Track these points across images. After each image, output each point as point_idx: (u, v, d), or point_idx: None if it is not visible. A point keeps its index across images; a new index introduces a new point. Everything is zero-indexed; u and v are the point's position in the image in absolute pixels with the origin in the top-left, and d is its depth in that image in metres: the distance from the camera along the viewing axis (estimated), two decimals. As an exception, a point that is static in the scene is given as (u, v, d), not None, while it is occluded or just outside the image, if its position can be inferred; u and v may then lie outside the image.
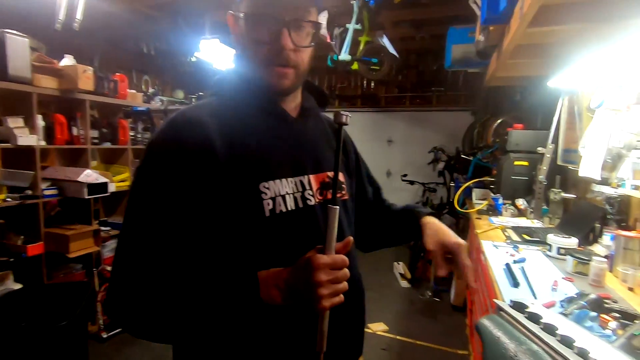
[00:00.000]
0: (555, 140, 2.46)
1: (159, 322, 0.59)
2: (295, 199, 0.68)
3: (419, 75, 4.86)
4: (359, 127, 5.15)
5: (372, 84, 5.09)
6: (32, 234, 2.27)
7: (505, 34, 1.80)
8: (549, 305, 1.17)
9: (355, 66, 3.19)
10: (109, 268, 2.64)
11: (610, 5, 1.30)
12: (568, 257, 1.48)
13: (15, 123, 2.16)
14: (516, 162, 2.78)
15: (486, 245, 1.83)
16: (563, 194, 2.32)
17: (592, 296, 1.11)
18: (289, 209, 0.66)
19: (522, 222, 2.35)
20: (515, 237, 1.98)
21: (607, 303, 1.12)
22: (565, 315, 1.00)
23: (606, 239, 1.66)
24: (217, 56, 3.62)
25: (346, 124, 0.60)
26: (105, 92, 2.70)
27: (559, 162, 2.49)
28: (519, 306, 0.64)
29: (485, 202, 2.77)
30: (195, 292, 0.59)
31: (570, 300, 1.13)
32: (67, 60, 2.49)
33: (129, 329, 0.61)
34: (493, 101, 4.15)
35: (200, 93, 3.71)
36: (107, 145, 2.81)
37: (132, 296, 0.59)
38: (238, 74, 0.73)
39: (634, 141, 1.63)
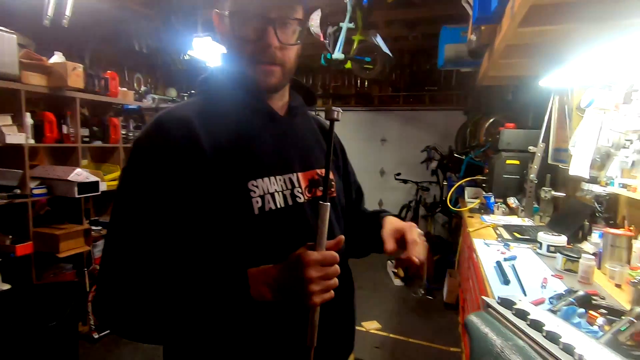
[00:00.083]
0: (546, 140, 2.49)
1: (149, 321, 0.59)
2: (284, 196, 0.68)
3: (412, 74, 4.88)
4: (353, 126, 5.16)
5: (366, 83, 5.10)
6: (20, 233, 2.24)
7: (497, 34, 1.81)
8: (538, 302, 1.18)
9: (348, 65, 3.19)
10: (100, 268, 2.61)
11: (600, 6, 1.32)
12: (557, 255, 1.50)
13: (3, 121, 2.12)
14: (508, 161, 2.80)
15: (478, 244, 1.85)
16: (553, 193, 2.35)
17: (580, 293, 1.12)
18: (279, 206, 0.66)
19: (514, 220, 2.38)
20: (506, 235, 2.00)
21: (594, 300, 1.14)
22: (553, 311, 1.02)
23: (595, 236, 1.68)
24: (209, 54, 3.60)
25: (337, 120, 0.60)
26: (96, 89, 2.67)
27: (550, 161, 2.52)
28: (506, 303, 0.64)
29: (477, 201, 2.80)
30: (185, 290, 0.59)
31: (559, 297, 1.15)
32: (57, 58, 2.45)
33: (118, 330, 0.60)
34: (485, 100, 4.18)
35: (192, 91, 3.68)
36: (98, 143, 2.78)
37: (121, 296, 0.58)
38: (224, 72, 0.73)
39: (622, 140, 1.66)
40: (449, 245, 3.71)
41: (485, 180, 3.10)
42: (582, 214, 1.89)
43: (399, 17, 3.47)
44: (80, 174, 2.41)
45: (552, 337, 0.53)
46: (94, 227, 2.69)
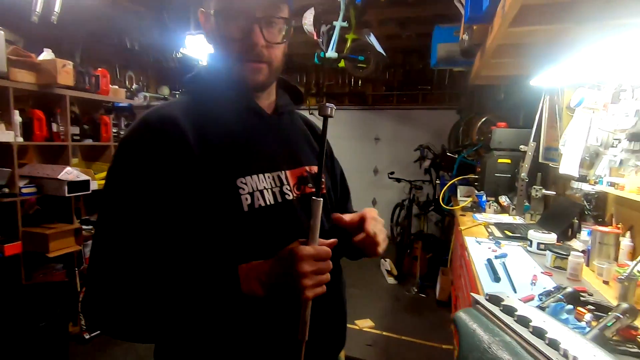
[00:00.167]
0: (537, 139, 2.52)
1: (140, 319, 0.59)
2: (274, 193, 0.68)
3: (406, 73, 4.90)
4: (347, 125, 5.16)
5: (360, 82, 5.10)
6: (9, 233, 2.21)
7: (488, 33, 1.82)
8: (528, 299, 1.20)
9: (342, 64, 3.19)
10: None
11: (589, 7, 1.33)
12: (547, 252, 1.52)
13: (-10, 119, 2.09)
14: (499, 160, 2.83)
15: (469, 242, 1.87)
16: (544, 191, 2.38)
17: (569, 290, 1.14)
18: (268, 203, 0.66)
19: (505, 218, 2.40)
20: (497, 233, 2.02)
21: (583, 296, 1.15)
22: (542, 308, 1.03)
23: (584, 234, 1.71)
24: (202, 52, 3.57)
25: (331, 116, 0.61)
26: (86, 87, 2.63)
27: (541, 160, 2.55)
28: (494, 299, 0.65)
29: (469, 199, 2.82)
30: (175, 287, 0.59)
31: (548, 294, 1.16)
32: (46, 54, 2.42)
33: (109, 330, 0.60)
34: (478, 100, 4.21)
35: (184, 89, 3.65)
36: (89, 142, 2.75)
37: (110, 296, 0.58)
38: (211, 71, 0.73)
39: (611, 139, 1.68)
40: (441, 244, 3.74)
41: (478, 179, 3.13)
42: (572, 212, 1.92)
43: (393, 16, 3.47)
44: (71, 172, 2.38)
45: (538, 333, 0.54)
46: (84, 227, 2.66)
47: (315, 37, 3.07)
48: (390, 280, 3.68)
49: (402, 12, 3.38)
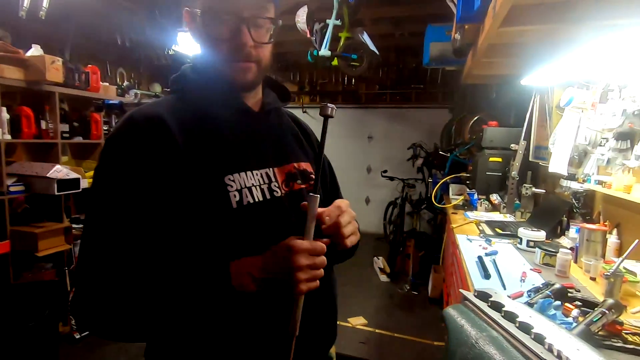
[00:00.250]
0: (528, 137, 2.55)
1: (130, 318, 0.58)
2: (262, 190, 0.68)
3: (399, 72, 4.92)
4: (340, 124, 5.17)
5: (353, 81, 5.11)
6: (-3, 232, 2.18)
7: (480, 33, 1.84)
8: (517, 296, 1.21)
9: (335, 62, 3.19)
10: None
11: (578, 8, 1.35)
12: (537, 250, 1.54)
13: (-23, 115, 2.05)
14: (491, 159, 2.86)
15: (461, 239, 1.88)
16: (534, 189, 2.41)
17: (557, 286, 1.16)
18: (257, 200, 0.67)
19: (496, 216, 2.43)
20: (488, 231, 2.04)
21: (570, 292, 1.18)
22: (530, 304, 1.05)
23: (572, 231, 1.74)
24: (194, 49, 3.54)
25: (331, 116, 0.62)
26: (76, 84, 2.59)
27: (531, 159, 2.58)
28: (482, 296, 0.66)
29: (461, 198, 2.85)
30: (165, 284, 0.59)
31: (536, 290, 1.18)
32: (34, 50, 2.38)
33: (99, 330, 0.60)
34: (470, 99, 4.24)
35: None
36: (79, 139, 2.71)
37: (100, 296, 0.57)
38: (198, 70, 0.73)
39: (599, 138, 1.71)
40: (434, 242, 3.76)
41: (469, 178, 3.15)
42: (561, 210, 1.95)
43: (386, 14, 3.48)
44: (60, 170, 2.35)
45: (525, 328, 0.55)
46: (74, 225, 2.62)
47: (308, 35, 3.06)
48: (383, 278, 3.70)
49: (395, 11, 3.39)
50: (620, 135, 1.51)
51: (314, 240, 0.61)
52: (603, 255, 1.48)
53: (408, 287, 3.46)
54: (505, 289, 1.28)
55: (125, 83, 3.71)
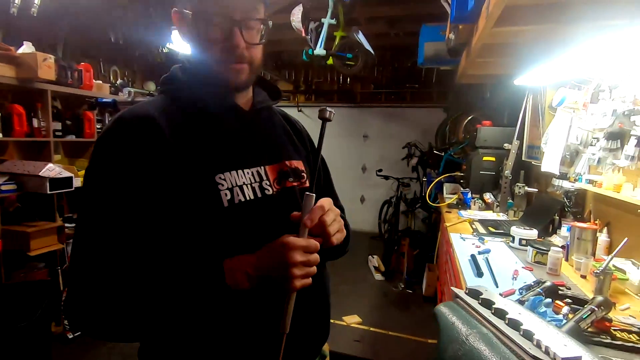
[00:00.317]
0: (521, 137, 2.58)
1: (123, 318, 0.58)
2: (253, 189, 0.69)
3: (394, 72, 4.93)
4: (335, 123, 5.06)
5: (348, 80, 5.12)
6: (-12, 231, 2.15)
7: (474, 33, 1.85)
8: (509, 293, 1.23)
9: (330, 61, 3.19)
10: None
11: (571, 8, 1.37)
12: (529, 248, 1.56)
13: (-33, 113, 2.02)
14: (484, 158, 2.88)
15: (454, 238, 1.90)
16: (527, 188, 2.43)
17: (548, 284, 1.17)
18: (248, 198, 0.67)
19: (489, 215, 2.45)
20: (481, 230, 2.06)
21: (561, 290, 1.19)
22: (522, 302, 1.06)
23: (564, 230, 1.76)
24: (186, 49, 3.52)
25: (329, 120, 0.63)
26: (69, 81, 2.57)
27: (524, 158, 2.60)
28: (473, 293, 0.67)
29: (455, 196, 2.86)
30: (158, 283, 0.59)
31: (528, 288, 1.19)
32: (26, 48, 2.35)
33: (92, 331, 0.60)
34: (464, 98, 4.27)
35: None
36: (71, 138, 2.68)
37: (93, 296, 0.57)
38: (188, 71, 0.73)
39: (590, 138, 1.73)
40: (428, 240, 3.79)
41: (463, 177, 3.17)
42: (553, 209, 1.97)
43: (381, 14, 3.49)
44: (53, 169, 2.32)
45: (514, 324, 0.56)
46: (67, 225, 2.60)
47: (303, 34, 3.06)
48: (378, 276, 3.72)
49: (390, 11, 3.40)
50: (610, 135, 1.53)
51: (313, 237, 0.62)
52: (593, 254, 1.50)
53: (402, 286, 3.48)
54: (497, 286, 1.29)
55: (119, 81, 3.68)
